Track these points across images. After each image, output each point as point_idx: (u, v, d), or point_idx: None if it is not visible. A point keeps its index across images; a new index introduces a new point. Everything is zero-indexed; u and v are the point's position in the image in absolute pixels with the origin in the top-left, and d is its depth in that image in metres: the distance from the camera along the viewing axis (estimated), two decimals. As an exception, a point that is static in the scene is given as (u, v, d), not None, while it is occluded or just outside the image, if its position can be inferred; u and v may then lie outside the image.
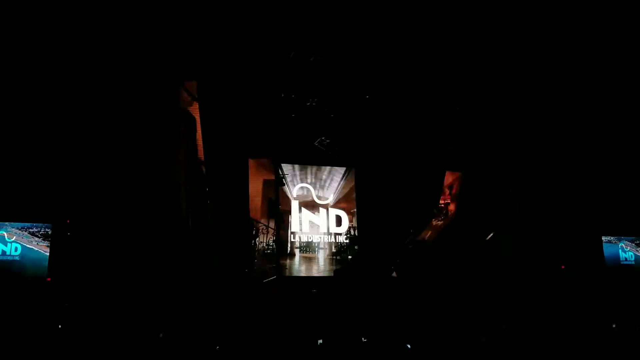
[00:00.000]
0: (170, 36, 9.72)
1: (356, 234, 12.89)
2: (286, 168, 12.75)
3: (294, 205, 12.94)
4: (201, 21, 9.55)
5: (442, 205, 12.79)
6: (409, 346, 8.88)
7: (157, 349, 9.11)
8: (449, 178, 12.85)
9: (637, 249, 12.31)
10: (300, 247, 12.64)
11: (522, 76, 10.75)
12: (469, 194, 12.30)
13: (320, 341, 9.16)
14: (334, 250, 12.79)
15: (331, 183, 13.28)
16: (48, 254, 10.12)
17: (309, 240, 12.81)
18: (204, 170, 10.89)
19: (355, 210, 13.12)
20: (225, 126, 11.10)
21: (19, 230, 10.09)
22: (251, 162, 12.20)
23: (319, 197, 13.16)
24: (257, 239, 12.01)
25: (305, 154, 12.63)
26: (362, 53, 10.43)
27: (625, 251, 12.19)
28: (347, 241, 12.93)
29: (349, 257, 12.68)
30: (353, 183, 13.36)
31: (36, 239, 10.16)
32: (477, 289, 11.21)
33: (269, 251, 12.08)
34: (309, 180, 13.17)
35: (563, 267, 11.28)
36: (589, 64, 10.34)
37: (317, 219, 13.08)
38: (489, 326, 10.07)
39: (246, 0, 9.22)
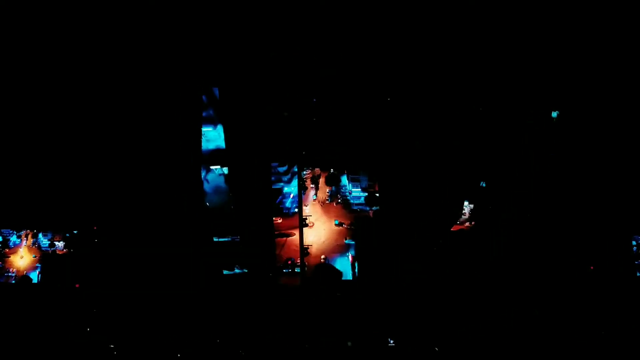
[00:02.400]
0: (188, 42, 9.80)
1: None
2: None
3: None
4: (220, 28, 9.62)
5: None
6: (436, 349, 8.84)
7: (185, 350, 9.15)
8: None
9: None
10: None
11: (547, 73, 10.66)
12: (493, 195, 12.13)
13: (349, 343, 9.18)
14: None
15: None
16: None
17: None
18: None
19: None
20: (248, 132, 11.12)
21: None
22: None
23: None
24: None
25: (326, 158, 12.56)
26: (382, 56, 10.43)
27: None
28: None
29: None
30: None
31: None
32: (504, 289, 11.08)
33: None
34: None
35: (592, 267, 11.10)
36: (619, 61, 10.21)
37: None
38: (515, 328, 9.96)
39: (260, 7, 9.27)
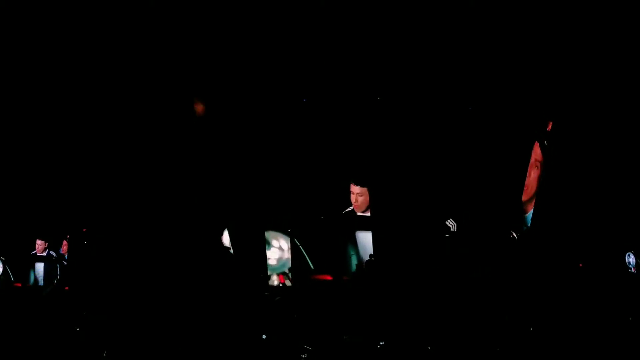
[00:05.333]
0: (182, 44, 9.83)
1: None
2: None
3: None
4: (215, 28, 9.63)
5: None
6: (429, 348, 8.82)
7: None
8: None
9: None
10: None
11: (538, 74, 10.65)
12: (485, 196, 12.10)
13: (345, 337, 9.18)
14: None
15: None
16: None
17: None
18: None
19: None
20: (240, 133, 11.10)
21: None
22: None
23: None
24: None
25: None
26: (373, 53, 10.43)
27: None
28: None
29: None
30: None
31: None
32: (495, 288, 11.08)
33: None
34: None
35: (581, 264, 11.07)
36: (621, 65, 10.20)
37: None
38: (506, 326, 9.95)
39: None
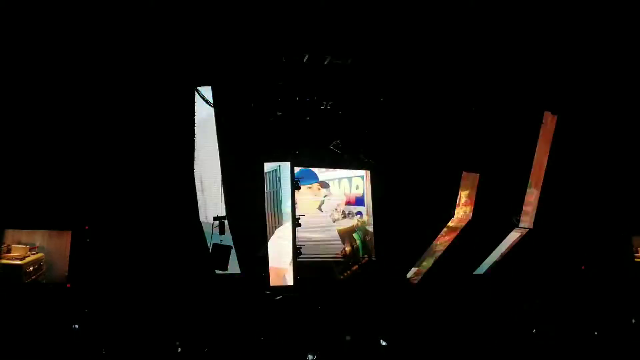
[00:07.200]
0: (184, 41, 9.80)
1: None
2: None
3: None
4: (215, 24, 9.59)
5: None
6: (428, 348, 8.83)
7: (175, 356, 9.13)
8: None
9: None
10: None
11: (540, 73, 10.63)
12: (486, 195, 12.10)
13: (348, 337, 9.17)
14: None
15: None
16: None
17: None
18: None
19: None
20: (241, 130, 11.07)
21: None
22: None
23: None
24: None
25: (320, 157, 12.43)
26: (376, 54, 10.41)
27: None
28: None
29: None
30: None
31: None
32: (496, 289, 11.10)
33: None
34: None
35: (583, 267, 11.07)
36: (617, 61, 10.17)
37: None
38: (508, 328, 9.96)
39: (260, 3, 9.26)
